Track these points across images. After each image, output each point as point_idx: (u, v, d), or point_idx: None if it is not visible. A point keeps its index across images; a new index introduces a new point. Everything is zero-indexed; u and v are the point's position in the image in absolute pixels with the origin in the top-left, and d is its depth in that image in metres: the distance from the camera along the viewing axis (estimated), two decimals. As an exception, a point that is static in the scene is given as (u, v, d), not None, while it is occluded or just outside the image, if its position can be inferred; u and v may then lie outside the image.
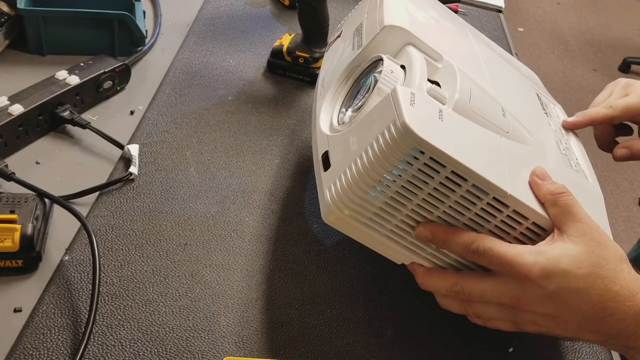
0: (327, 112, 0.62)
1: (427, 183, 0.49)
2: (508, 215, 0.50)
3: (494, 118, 0.55)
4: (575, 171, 0.59)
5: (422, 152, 0.47)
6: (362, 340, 0.59)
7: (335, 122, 0.60)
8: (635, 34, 3.60)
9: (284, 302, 0.61)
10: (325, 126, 0.60)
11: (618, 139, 0.67)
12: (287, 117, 0.84)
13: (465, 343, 0.61)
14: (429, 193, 0.49)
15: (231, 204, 0.70)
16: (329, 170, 0.54)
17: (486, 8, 1.25)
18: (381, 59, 0.57)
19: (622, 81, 0.68)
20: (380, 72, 0.55)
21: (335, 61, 0.68)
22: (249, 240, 0.66)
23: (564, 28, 3.52)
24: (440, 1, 1.13)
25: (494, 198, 0.49)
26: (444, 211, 0.51)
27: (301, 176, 0.75)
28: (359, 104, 0.57)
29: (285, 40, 0.91)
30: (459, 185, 0.49)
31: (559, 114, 0.69)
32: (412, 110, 0.48)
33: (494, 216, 0.50)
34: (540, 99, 0.68)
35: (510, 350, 0.61)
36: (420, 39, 0.59)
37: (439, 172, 0.48)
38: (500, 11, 1.26)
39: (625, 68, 3.25)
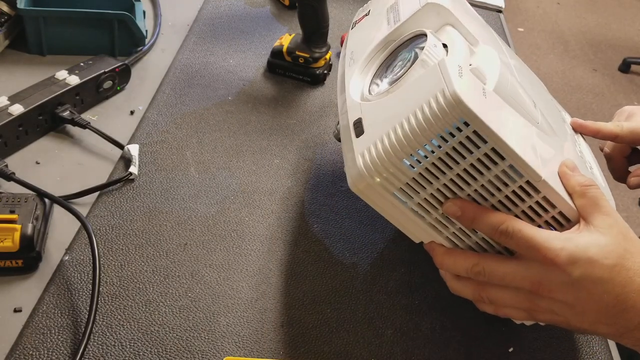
0: (358, 82, 0.61)
1: (464, 158, 0.48)
2: (537, 202, 0.50)
3: (527, 107, 0.55)
4: (590, 173, 0.59)
5: (467, 125, 0.47)
6: (362, 340, 0.59)
7: (366, 92, 0.59)
8: (635, 34, 3.60)
9: (284, 302, 0.61)
10: (356, 95, 0.59)
11: (631, 168, 0.69)
12: (287, 117, 0.84)
13: (465, 343, 0.61)
14: (464, 169, 0.49)
15: (231, 204, 0.70)
16: (362, 136, 0.53)
17: (486, 8, 1.25)
18: (423, 34, 0.57)
19: (628, 109, 0.70)
20: (423, 46, 0.55)
21: (365, 35, 0.67)
22: (249, 240, 0.66)
23: (564, 28, 3.52)
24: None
25: (527, 182, 0.49)
26: (475, 189, 0.50)
27: (301, 176, 0.75)
28: (397, 75, 0.57)
29: (285, 40, 0.91)
30: (496, 164, 0.48)
31: (567, 120, 0.69)
32: (461, 82, 0.47)
33: (524, 200, 0.50)
34: (555, 104, 0.69)
35: (511, 350, 0.61)
36: (460, 20, 0.59)
37: (479, 148, 0.48)
38: (500, 11, 1.26)
39: (625, 68, 3.25)
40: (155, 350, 0.55)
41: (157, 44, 0.94)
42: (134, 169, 0.70)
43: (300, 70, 0.90)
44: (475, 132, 0.47)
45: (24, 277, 0.59)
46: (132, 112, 0.81)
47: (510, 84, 0.55)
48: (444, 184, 0.50)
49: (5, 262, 0.58)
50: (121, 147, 0.73)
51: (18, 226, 0.58)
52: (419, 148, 0.49)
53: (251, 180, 0.74)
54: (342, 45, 0.99)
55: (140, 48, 0.90)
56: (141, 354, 0.54)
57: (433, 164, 0.49)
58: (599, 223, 0.50)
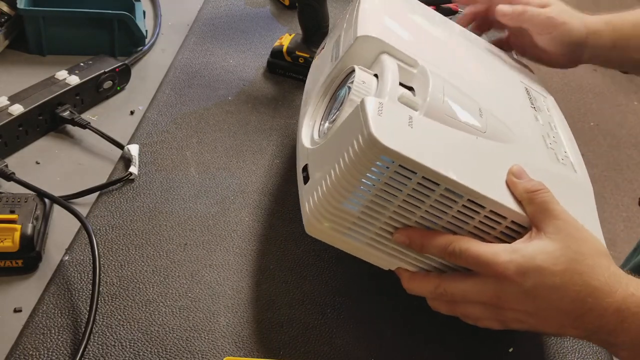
0: (309, 125, 0.63)
1: (400, 190, 0.49)
2: (486, 216, 0.51)
3: (469, 119, 0.55)
4: (562, 164, 0.59)
5: (392, 161, 0.48)
6: (362, 340, 0.59)
7: (316, 135, 0.60)
8: (635, 34, 3.60)
9: (284, 302, 0.61)
10: (306, 139, 0.61)
11: None
12: (287, 117, 0.84)
13: (465, 343, 0.61)
14: (403, 200, 0.50)
15: (231, 204, 0.70)
16: (307, 183, 0.55)
17: (486, 8, 1.25)
18: (354, 70, 0.58)
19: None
20: (353, 83, 0.56)
21: (317, 73, 0.69)
22: (249, 240, 0.66)
23: (564, 28, 3.52)
24: (440, 1, 1.13)
25: (469, 200, 0.49)
26: (421, 216, 0.51)
27: (301, 176, 0.75)
28: (334, 117, 0.58)
29: (285, 40, 0.91)
30: (432, 190, 0.49)
31: (550, 107, 0.69)
32: (379, 120, 0.48)
33: (472, 218, 0.51)
34: (529, 94, 0.68)
35: (510, 350, 0.61)
36: (394, 46, 0.59)
37: (410, 179, 0.49)
38: (500, 11, 1.26)
39: (625, 68, 3.24)
40: (155, 350, 0.55)
41: (157, 44, 0.94)
42: (134, 169, 0.70)
43: (300, 70, 0.90)
44: (401, 165, 0.48)
45: (24, 277, 0.59)
46: (132, 112, 0.81)
47: (448, 100, 0.55)
48: (390, 217, 0.51)
49: (5, 262, 0.58)
50: (121, 147, 0.73)
51: (18, 226, 0.58)
52: (352, 189, 0.50)
53: (251, 180, 0.74)
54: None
55: (140, 48, 0.90)
56: (141, 354, 0.54)
57: (372, 200, 0.50)
58: (548, 228, 0.50)
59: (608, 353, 0.63)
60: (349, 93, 0.56)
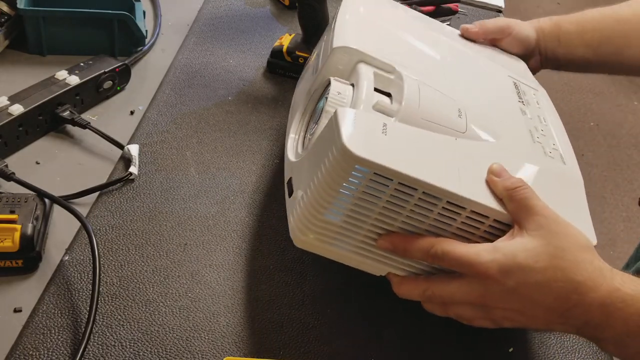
0: (293, 139, 0.64)
1: (379, 197, 0.50)
2: (468, 217, 0.51)
3: (447, 121, 0.55)
4: (549, 157, 0.59)
5: (368, 170, 0.48)
6: (362, 340, 0.59)
7: (300, 148, 0.61)
8: (635, 34, 3.60)
9: (284, 302, 0.61)
10: (291, 153, 0.62)
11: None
12: (287, 117, 0.84)
13: (465, 343, 0.61)
14: (383, 206, 0.50)
15: (231, 204, 0.70)
16: (291, 196, 0.56)
17: (486, 8, 1.25)
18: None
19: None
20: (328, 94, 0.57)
21: (302, 86, 0.70)
22: (249, 240, 0.66)
23: (564, 28, 3.52)
24: (440, 1, 1.12)
25: (448, 202, 0.50)
26: (402, 221, 0.51)
27: (301, 176, 0.75)
28: (313, 129, 0.59)
29: (285, 40, 0.91)
30: (411, 195, 0.49)
31: (541, 100, 0.69)
32: (352, 130, 0.49)
33: (454, 219, 0.51)
34: (517, 88, 0.69)
35: (510, 350, 0.61)
36: (369, 54, 0.60)
37: (387, 186, 0.49)
38: (500, 11, 1.26)
39: (625, 68, 3.24)
40: (155, 350, 0.55)
41: (157, 44, 0.94)
42: (134, 169, 0.70)
43: (300, 70, 0.90)
44: (376, 173, 0.48)
45: (24, 277, 0.59)
46: (132, 112, 0.81)
47: (425, 103, 0.55)
48: (372, 224, 0.52)
49: (5, 262, 0.58)
50: (121, 147, 0.73)
51: (18, 226, 0.58)
52: (332, 200, 0.50)
53: (251, 180, 0.74)
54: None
55: (140, 48, 0.90)
56: (141, 354, 0.54)
57: (353, 209, 0.51)
58: (529, 225, 0.50)
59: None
60: (325, 105, 0.57)
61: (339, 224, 0.52)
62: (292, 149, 0.62)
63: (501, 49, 0.78)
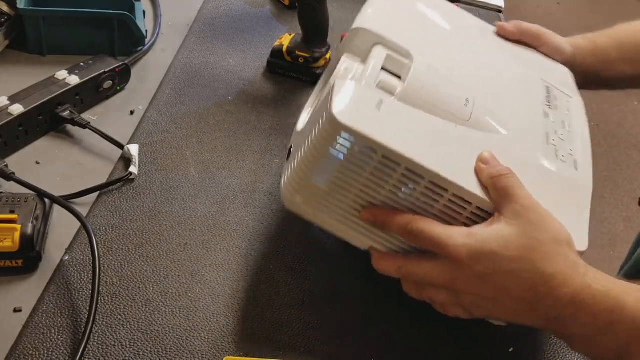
0: (307, 112, 0.65)
1: (362, 169, 0.51)
2: (450, 200, 0.51)
3: (450, 106, 0.56)
4: (560, 161, 0.59)
5: (353, 139, 0.50)
6: (362, 340, 0.59)
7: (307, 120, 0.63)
8: (635, 34, 3.60)
9: (284, 302, 0.61)
10: (300, 124, 0.63)
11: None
12: (287, 117, 0.84)
13: (465, 343, 0.61)
14: (367, 178, 0.51)
15: (231, 204, 0.70)
16: (288, 160, 0.58)
17: (486, 8, 1.25)
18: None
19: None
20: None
21: (330, 64, 0.71)
22: (249, 240, 0.66)
23: (564, 28, 3.52)
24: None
25: (431, 182, 0.50)
26: (386, 196, 0.52)
27: (301, 176, 0.75)
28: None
29: (285, 40, 0.91)
30: (394, 170, 0.50)
31: (572, 108, 0.68)
32: (343, 101, 0.51)
33: (436, 201, 0.51)
34: (549, 92, 0.68)
35: (511, 350, 0.61)
36: (387, 38, 0.61)
37: (372, 158, 0.50)
38: (500, 11, 1.26)
39: (625, 68, 3.24)
40: (155, 350, 0.55)
41: (157, 44, 0.94)
42: (134, 169, 0.70)
43: (300, 70, 0.90)
44: (362, 144, 0.49)
45: (24, 277, 0.59)
46: (132, 112, 0.81)
47: (429, 87, 0.56)
48: (357, 195, 0.53)
49: (5, 262, 0.58)
50: (121, 147, 0.73)
51: (18, 226, 0.58)
52: (318, 166, 0.52)
53: (251, 180, 0.74)
54: (342, 46, 0.99)
55: (140, 48, 0.90)
56: (141, 354, 0.54)
57: (337, 177, 0.52)
58: (507, 213, 0.50)
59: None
60: (331, 79, 0.58)
61: (325, 190, 0.53)
62: (302, 122, 0.64)
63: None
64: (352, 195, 0.53)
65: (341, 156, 0.51)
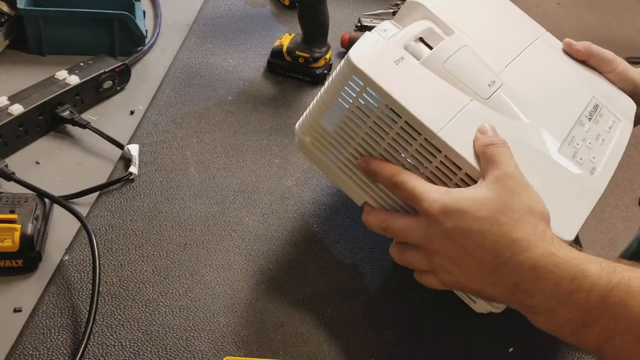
0: None
1: (367, 116, 0.53)
2: (442, 162, 0.52)
3: (472, 83, 0.57)
4: (577, 162, 0.58)
5: (362, 84, 0.52)
6: (362, 340, 0.59)
7: None
8: (636, 34, 3.60)
9: (284, 302, 0.61)
10: None
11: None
12: (287, 117, 0.84)
13: (465, 343, 0.61)
14: (370, 127, 0.54)
15: (231, 204, 0.70)
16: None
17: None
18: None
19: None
20: None
21: None
22: (249, 240, 0.66)
23: (564, 28, 3.52)
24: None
25: (426, 139, 0.52)
26: (384, 149, 0.54)
27: (301, 176, 0.75)
28: None
29: (285, 40, 0.91)
30: (394, 122, 0.52)
31: (615, 129, 0.65)
32: (364, 49, 0.54)
33: (429, 161, 0.53)
34: (596, 108, 0.66)
35: (511, 350, 0.61)
36: (435, 14, 0.61)
37: (376, 106, 0.52)
38: (500, 11, 1.26)
39: (626, 68, 3.24)
40: (155, 350, 0.55)
41: (157, 44, 0.94)
42: (134, 169, 0.70)
43: (300, 70, 0.90)
44: (370, 90, 0.52)
45: (24, 277, 0.59)
46: (132, 112, 0.81)
47: (455, 60, 0.57)
48: (359, 143, 0.55)
49: (5, 262, 0.58)
50: (121, 147, 0.73)
51: (18, 226, 0.58)
52: (329, 107, 0.55)
53: (251, 180, 0.74)
54: (342, 46, 0.99)
55: (140, 48, 0.90)
56: (141, 354, 0.54)
57: (344, 122, 0.55)
58: (488, 177, 0.50)
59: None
60: None
61: (331, 133, 0.56)
62: None
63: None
64: (354, 143, 0.55)
65: (351, 101, 0.53)
